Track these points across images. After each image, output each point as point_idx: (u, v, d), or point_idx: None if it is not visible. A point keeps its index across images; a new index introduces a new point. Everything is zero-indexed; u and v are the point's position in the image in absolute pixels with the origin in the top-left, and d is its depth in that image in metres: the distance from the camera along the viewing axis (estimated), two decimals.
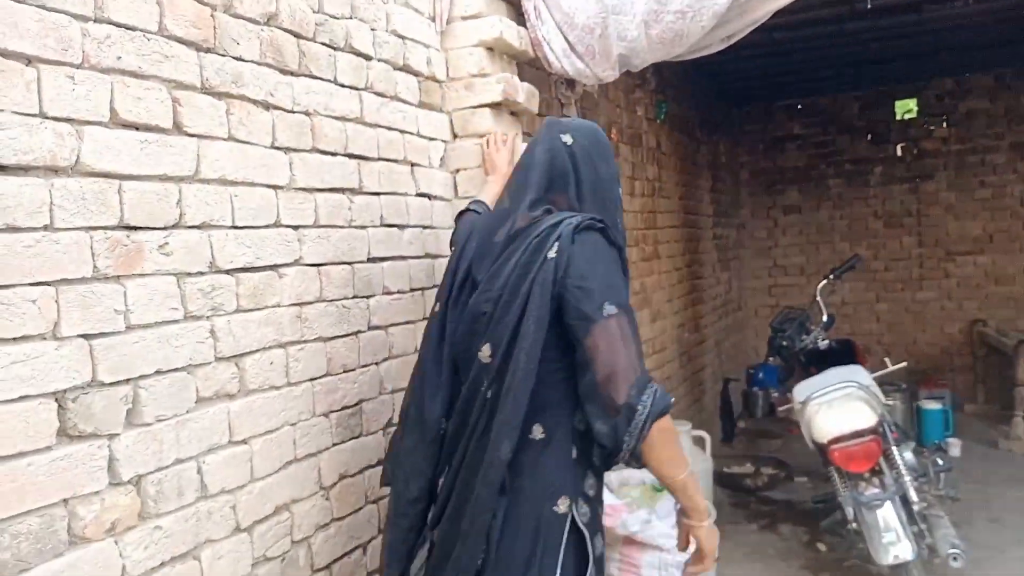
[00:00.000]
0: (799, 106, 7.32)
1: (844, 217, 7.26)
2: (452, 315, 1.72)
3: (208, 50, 1.64)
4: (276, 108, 1.82)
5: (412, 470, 1.71)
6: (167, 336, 1.50)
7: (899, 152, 7.02)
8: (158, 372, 1.47)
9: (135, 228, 1.45)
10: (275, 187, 1.80)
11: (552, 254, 1.54)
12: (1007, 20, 4.87)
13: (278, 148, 1.82)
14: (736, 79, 6.34)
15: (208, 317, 1.60)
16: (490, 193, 2.30)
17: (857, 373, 3.49)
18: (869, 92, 6.99)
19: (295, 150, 1.87)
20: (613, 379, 1.48)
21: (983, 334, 6.49)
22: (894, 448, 3.27)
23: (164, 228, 1.51)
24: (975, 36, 5.30)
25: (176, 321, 1.52)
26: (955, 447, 5.22)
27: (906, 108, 7.06)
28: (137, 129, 1.47)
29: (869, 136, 7.11)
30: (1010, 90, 6.65)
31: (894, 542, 3.05)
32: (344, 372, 1.99)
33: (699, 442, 3.97)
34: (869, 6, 3.23)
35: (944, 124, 6.87)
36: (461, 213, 2.18)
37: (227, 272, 1.65)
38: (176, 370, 1.51)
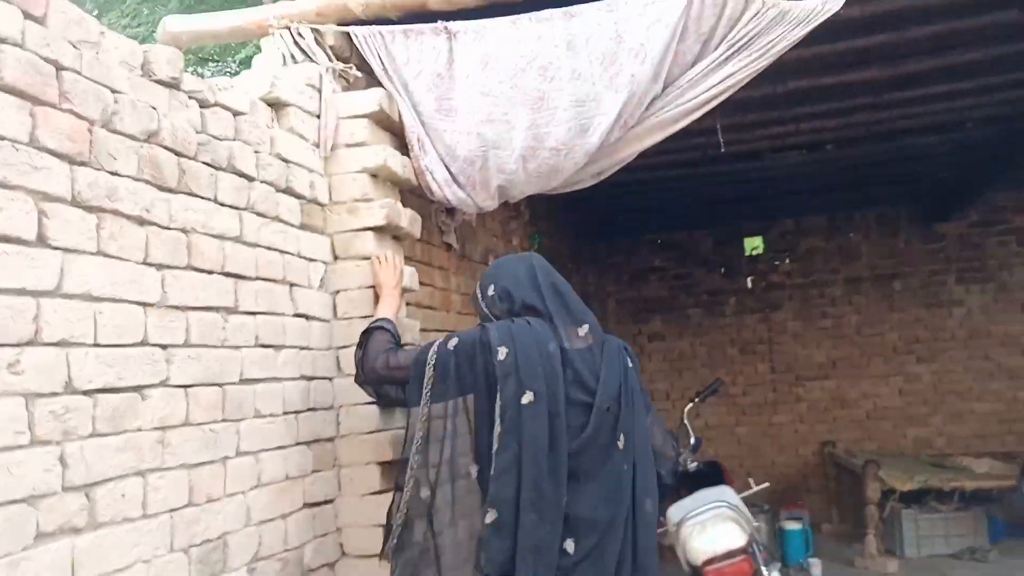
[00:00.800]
0: (659, 240, 7.83)
1: (704, 344, 7.67)
2: (559, 408, 1.95)
3: (82, 163, 1.59)
4: (151, 224, 1.77)
5: (541, 546, 1.88)
6: (8, 464, 1.35)
7: (749, 284, 7.59)
8: None
9: None
10: (144, 304, 1.72)
11: (630, 364, 2.12)
12: (834, 170, 5.51)
13: (150, 264, 1.75)
14: (602, 214, 6.75)
15: (58, 443, 1.46)
16: (389, 309, 2.38)
17: (726, 493, 3.59)
18: (721, 229, 7.59)
19: (169, 267, 1.81)
20: (665, 445, 2.24)
21: (833, 455, 6.89)
22: (763, 568, 3.34)
23: (17, 345, 1.40)
24: (809, 182, 5.94)
25: (21, 446, 1.38)
26: (816, 567, 5.39)
27: (753, 245, 7.71)
28: None
29: (723, 269, 7.66)
30: (841, 231, 7.42)
31: None
32: (208, 502, 1.84)
33: None
34: (723, 150, 3.57)
35: (787, 260, 7.53)
36: (371, 330, 2.21)
37: (84, 393, 1.53)
38: (15, 502, 1.36)
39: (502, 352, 1.95)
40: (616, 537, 1.95)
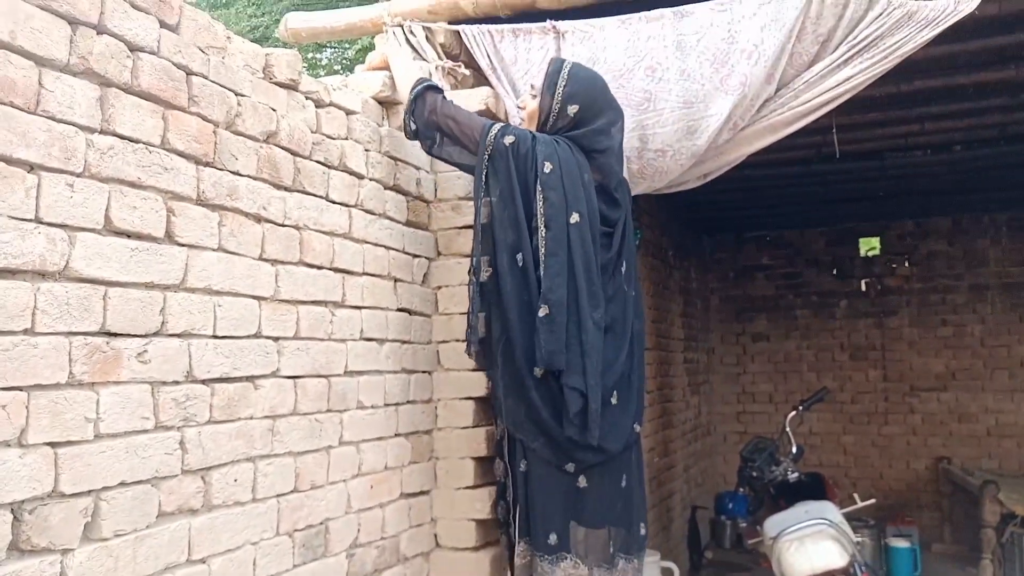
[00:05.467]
0: (768, 238, 7.57)
1: (811, 347, 7.38)
2: (596, 234, 2.25)
3: (207, 164, 1.69)
4: (267, 221, 1.86)
5: (596, 350, 2.15)
6: (135, 446, 1.46)
7: (863, 287, 7.24)
8: (122, 484, 1.42)
9: (115, 335, 1.45)
10: (259, 298, 1.81)
11: (629, 198, 2.48)
12: (962, 171, 5.17)
13: (266, 260, 1.84)
14: (708, 210, 6.58)
15: (179, 428, 1.56)
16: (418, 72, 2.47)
17: (828, 510, 3.46)
18: (835, 228, 7.26)
19: (282, 262, 1.90)
20: None
21: (949, 472, 6.51)
22: None
23: (145, 336, 1.51)
24: (933, 183, 5.59)
25: (146, 431, 1.49)
26: None
27: (870, 246, 7.34)
28: (129, 237, 1.49)
29: (834, 271, 7.33)
30: (967, 234, 6.95)
31: None
32: (312, 489, 1.93)
33: (667, 574, 3.87)
34: (838, 155, 3.41)
35: (906, 263, 7.13)
36: (423, 91, 2.30)
37: (203, 382, 1.63)
38: (140, 482, 1.47)
39: (547, 167, 2.15)
40: (624, 343, 2.23)
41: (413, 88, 2.33)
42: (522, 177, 2.16)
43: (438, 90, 2.35)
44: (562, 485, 2.15)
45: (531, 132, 2.26)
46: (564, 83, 2.26)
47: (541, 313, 2.08)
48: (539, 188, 2.13)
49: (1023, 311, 6.76)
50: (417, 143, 2.37)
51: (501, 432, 2.28)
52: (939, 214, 6.90)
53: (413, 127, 2.32)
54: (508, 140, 2.19)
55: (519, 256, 2.14)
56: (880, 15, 2.27)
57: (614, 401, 2.17)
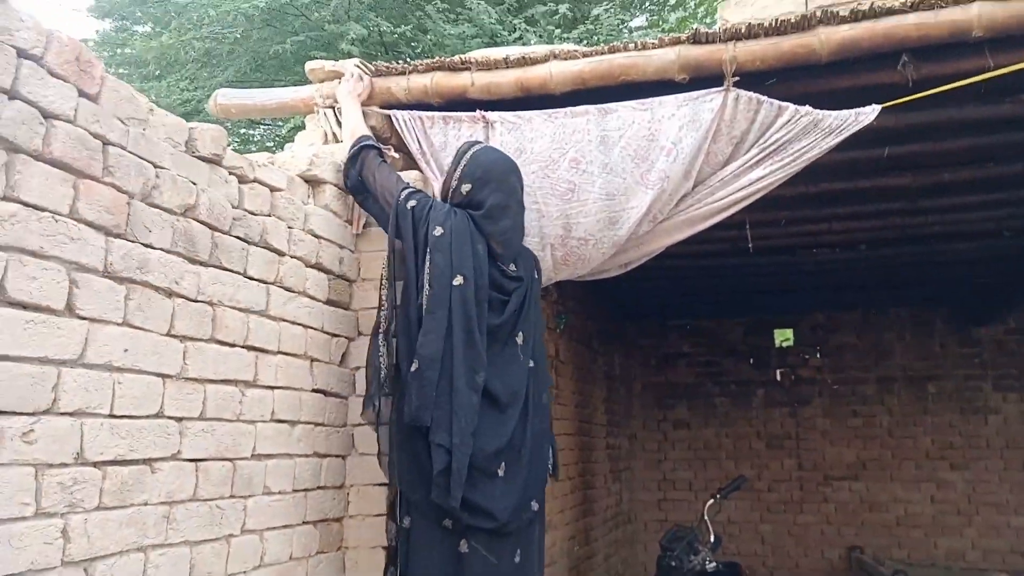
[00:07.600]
0: (688, 326, 7.76)
1: (729, 435, 7.50)
2: (483, 296, 2.29)
3: (118, 235, 1.63)
4: (179, 296, 1.79)
5: (467, 410, 2.16)
6: (10, 536, 1.35)
7: (778, 377, 7.46)
8: None
9: (0, 413, 1.35)
10: (164, 376, 1.73)
11: (536, 276, 2.60)
12: (867, 268, 5.45)
13: (174, 336, 1.77)
14: (631, 297, 6.73)
15: (63, 515, 1.45)
16: (357, 119, 2.67)
17: None
18: (752, 318, 7.51)
19: (192, 339, 1.83)
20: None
21: (860, 561, 6.61)
22: None
23: (33, 414, 1.41)
24: (841, 279, 5.88)
25: (25, 518, 1.38)
26: None
27: (784, 336, 7.60)
28: (25, 308, 1.41)
29: (751, 360, 7.54)
30: (874, 328, 7.29)
31: None
32: None
33: None
34: (750, 249, 3.57)
35: (818, 355, 7.40)
36: (362, 148, 2.49)
37: (94, 464, 1.53)
38: None
39: (438, 230, 2.23)
40: (514, 413, 2.22)
41: (354, 144, 2.49)
42: (418, 238, 2.25)
43: (378, 149, 2.51)
44: (442, 545, 2.11)
45: (433, 199, 2.38)
46: (465, 163, 2.40)
47: (412, 368, 2.12)
48: (428, 250, 2.22)
49: (927, 403, 7.06)
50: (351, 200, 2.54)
51: (393, 494, 2.24)
52: (848, 308, 7.22)
53: (348, 182, 2.49)
54: (410, 204, 2.31)
55: (410, 311, 2.20)
56: (788, 121, 2.42)
57: (500, 473, 2.15)
